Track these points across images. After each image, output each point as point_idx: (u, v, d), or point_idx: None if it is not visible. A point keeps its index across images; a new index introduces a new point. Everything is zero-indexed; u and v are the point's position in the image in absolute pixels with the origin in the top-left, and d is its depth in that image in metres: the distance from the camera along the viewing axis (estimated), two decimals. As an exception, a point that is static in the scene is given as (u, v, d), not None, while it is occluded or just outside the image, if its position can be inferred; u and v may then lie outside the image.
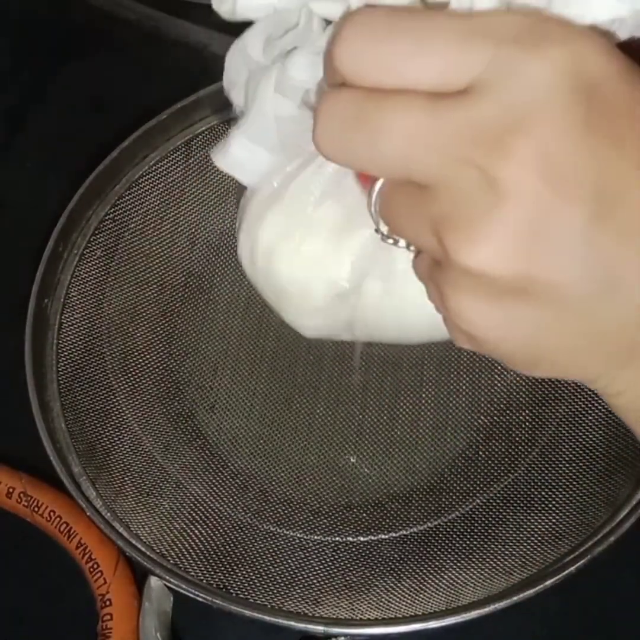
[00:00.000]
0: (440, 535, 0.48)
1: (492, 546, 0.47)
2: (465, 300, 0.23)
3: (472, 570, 0.46)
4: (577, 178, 0.21)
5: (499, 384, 0.53)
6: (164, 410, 0.53)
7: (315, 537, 0.49)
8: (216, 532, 0.49)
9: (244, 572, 0.47)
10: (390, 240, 0.26)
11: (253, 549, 0.48)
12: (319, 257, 0.31)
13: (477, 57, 0.21)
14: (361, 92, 0.22)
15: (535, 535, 0.47)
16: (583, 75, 0.21)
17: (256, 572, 0.47)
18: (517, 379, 0.53)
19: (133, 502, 0.49)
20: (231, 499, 0.50)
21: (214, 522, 0.49)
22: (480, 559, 0.47)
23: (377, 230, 0.26)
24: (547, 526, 0.47)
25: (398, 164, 0.22)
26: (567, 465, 0.49)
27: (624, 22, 0.23)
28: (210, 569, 0.47)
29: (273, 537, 0.49)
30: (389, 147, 0.22)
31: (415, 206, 0.23)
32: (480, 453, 0.51)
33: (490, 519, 0.48)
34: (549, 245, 0.21)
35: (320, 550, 0.48)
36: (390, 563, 0.47)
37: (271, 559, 0.48)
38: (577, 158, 0.21)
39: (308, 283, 0.31)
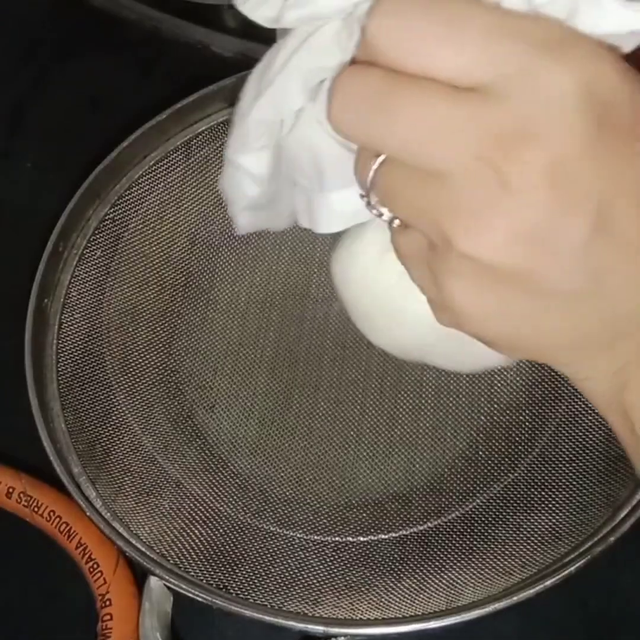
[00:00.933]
0: (440, 535, 0.48)
1: (492, 546, 0.47)
2: (460, 285, 0.24)
3: (472, 570, 0.46)
4: (583, 191, 0.22)
5: (499, 384, 0.53)
6: (164, 410, 0.53)
7: (315, 537, 0.49)
8: (216, 532, 0.49)
9: (244, 572, 0.47)
10: (375, 211, 0.26)
11: (253, 549, 0.48)
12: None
13: (506, 56, 0.22)
14: (387, 72, 0.23)
15: (535, 536, 0.47)
16: (599, 92, 0.22)
17: (256, 572, 0.47)
18: (517, 379, 0.53)
19: (133, 502, 0.49)
20: (231, 499, 0.50)
21: (214, 522, 0.49)
22: (480, 559, 0.47)
23: (362, 196, 0.26)
24: (547, 526, 0.47)
25: (414, 149, 0.23)
26: (567, 465, 0.49)
27: (636, 34, 0.23)
28: (210, 569, 0.47)
29: (273, 537, 0.49)
30: (407, 131, 0.23)
31: (419, 189, 0.24)
32: (480, 453, 0.51)
33: (490, 519, 0.48)
34: (549, 247, 0.23)
35: (320, 550, 0.48)
36: (390, 563, 0.47)
37: (271, 559, 0.48)
38: (585, 171, 0.22)
39: (403, 307, 0.32)
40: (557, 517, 0.47)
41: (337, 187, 0.28)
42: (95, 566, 0.46)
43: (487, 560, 0.47)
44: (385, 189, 0.25)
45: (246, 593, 0.46)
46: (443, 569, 0.47)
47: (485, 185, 0.22)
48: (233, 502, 0.50)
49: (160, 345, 0.55)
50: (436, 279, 0.25)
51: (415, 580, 0.46)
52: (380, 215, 0.26)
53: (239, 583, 0.46)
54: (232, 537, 0.49)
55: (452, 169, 0.22)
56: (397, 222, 0.26)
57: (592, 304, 0.24)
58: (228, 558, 0.47)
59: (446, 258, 0.24)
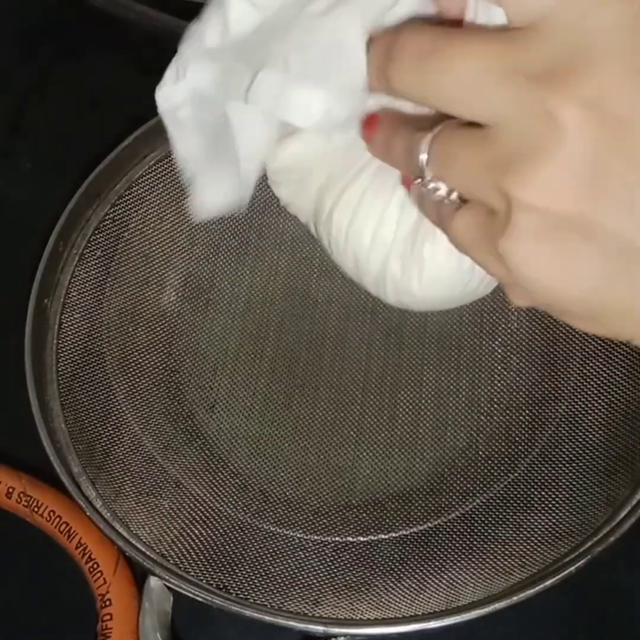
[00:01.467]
0: (440, 535, 0.48)
1: (492, 546, 0.47)
2: (527, 248, 0.23)
3: (472, 570, 0.46)
4: (634, 127, 0.21)
5: (499, 384, 0.53)
6: (164, 410, 0.53)
7: (315, 537, 0.49)
8: (216, 532, 0.49)
9: (244, 572, 0.47)
10: (432, 187, 0.25)
11: (253, 549, 0.48)
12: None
13: None
14: (440, 27, 0.23)
15: (535, 535, 0.47)
16: None
17: (256, 572, 0.47)
18: (517, 379, 0.53)
19: (133, 502, 0.49)
20: (231, 499, 0.50)
21: (214, 522, 0.49)
22: (480, 559, 0.47)
23: (418, 178, 0.25)
24: (547, 526, 0.47)
25: (467, 95, 0.23)
26: (566, 465, 0.49)
27: None
28: (210, 569, 0.47)
29: (273, 537, 0.49)
30: (457, 83, 0.23)
31: (475, 148, 0.23)
32: (480, 453, 0.51)
33: (490, 519, 0.48)
34: (609, 190, 0.22)
35: (320, 550, 0.48)
36: (390, 563, 0.47)
37: (271, 559, 0.48)
38: (635, 100, 0.21)
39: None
40: (557, 517, 0.47)
41: (336, 89, 0.26)
42: (95, 566, 0.46)
43: (487, 560, 0.47)
44: (441, 158, 0.24)
45: (246, 593, 0.46)
46: (443, 569, 0.47)
47: (535, 127, 0.22)
48: (233, 502, 0.50)
49: (160, 345, 0.55)
50: (503, 253, 0.23)
51: (415, 580, 0.46)
52: (437, 191, 0.25)
53: (239, 583, 0.46)
54: (232, 537, 0.49)
55: (503, 115, 0.22)
56: (454, 196, 0.25)
57: None
58: (228, 558, 0.47)
59: (509, 221, 0.23)
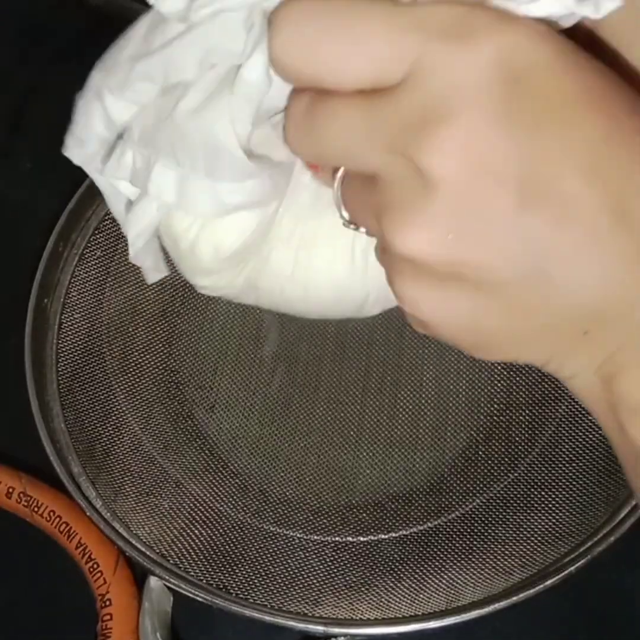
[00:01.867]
0: (440, 535, 0.48)
1: (492, 546, 0.47)
2: (407, 285, 0.24)
3: (472, 570, 0.46)
4: (500, 165, 0.21)
5: (499, 384, 0.53)
6: (164, 410, 0.53)
7: (315, 537, 0.49)
8: (216, 532, 0.49)
9: (244, 572, 0.47)
10: (352, 226, 0.27)
11: (253, 549, 0.48)
12: (207, 220, 0.30)
13: (407, 52, 0.22)
14: (308, 93, 0.24)
15: (535, 535, 0.47)
16: (509, 65, 0.21)
17: (256, 572, 0.47)
18: (517, 379, 0.53)
19: (133, 502, 0.49)
20: (231, 499, 0.50)
21: (214, 522, 0.49)
22: (480, 559, 0.47)
23: (341, 217, 0.27)
24: (547, 526, 0.47)
25: (342, 155, 0.24)
26: (566, 465, 0.49)
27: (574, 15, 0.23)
28: (210, 569, 0.47)
29: (273, 537, 0.49)
30: (332, 143, 0.24)
31: (364, 194, 0.25)
32: (480, 453, 0.51)
33: (490, 519, 0.48)
34: (477, 230, 0.22)
35: (320, 550, 0.48)
36: (390, 563, 0.47)
37: (271, 559, 0.48)
38: (500, 146, 0.21)
39: (196, 244, 0.31)
40: (557, 517, 0.47)
41: (226, 179, 0.27)
42: (95, 566, 0.46)
43: (487, 560, 0.47)
44: (344, 200, 0.26)
45: (246, 593, 0.46)
46: (443, 569, 0.47)
47: (405, 177, 0.22)
48: (233, 502, 0.50)
49: (160, 345, 0.55)
50: (391, 285, 0.25)
51: (415, 580, 0.46)
52: (357, 228, 0.27)
53: (239, 583, 0.46)
54: (232, 537, 0.49)
55: (376, 166, 0.23)
56: (362, 231, 0.26)
57: (541, 293, 0.23)
58: (228, 558, 0.47)
59: (391, 260, 0.24)
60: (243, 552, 0.48)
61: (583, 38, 0.25)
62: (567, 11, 0.23)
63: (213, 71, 0.26)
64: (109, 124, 0.29)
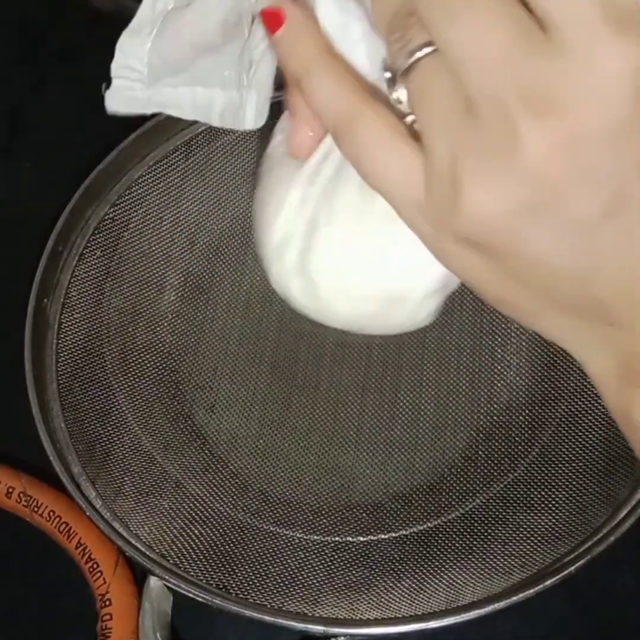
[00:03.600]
0: (440, 535, 0.48)
1: (492, 546, 0.47)
2: (440, 240, 0.25)
3: (472, 570, 0.46)
4: (602, 172, 0.22)
5: (499, 384, 0.53)
6: (164, 410, 0.53)
7: (315, 537, 0.49)
8: (216, 532, 0.49)
9: (244, 572, 0.47)
10: (394, 94, 0.24)
11: (253, 549, 0.48)
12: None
13: (577, 12, 0.21)
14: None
15: (535, 535, 0.47)
16: None
17: (256, 572, 0.47)
18: (517, 379, 0.53)
19: (133, 502, 0.49)
20: (231, 499, 0.50)
21: (214, 522, 0.49)
22: (480, 559, 0.47)
23: (388, 79, 0.24)
24: (547, 526, 0.47)
25: (459, 56, 0.22)
26: (566, 465, 0.49)
27: None
28: (210, 569, 0.47)
29: (273, 537, 0.49)
30: (462, 38, 0.22)
31: (448, 106, 0.23)
32: (480, 453, 0.51)
33: (490, 519, 0.48)
34: (551, 220, 0.22)
35: (320, 550, 0.48)
36: (390, 563, 0.47)
37: (271, 559, 0.48)
38: (607, 153, 0.21)
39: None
40: (557, 517, 0.47)
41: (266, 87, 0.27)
42: (95, 566, 0.46)
43: (487, 560, 0.47)
44: (418, 86, 0.24)
45: (246, 593, 0.46)
46: (443, 569, 0.47)
47: (504, 137, 0.22)
48: (233, 502, 0.50)
49: (160, 345, 0.55)
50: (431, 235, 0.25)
51: (415, 580, 0.46)
52: (397, 99, 0.24)
53: (239, 583, 0.46)
54: (232, 537, 0.49)
55: (483, 101, 0.22)
56: (410, 118, 0.25)
57: (583, 288, 0.24)
58: (228, 558, 0.47)
59: (440, 183, 0.23)
60: (243, 552, 0.48)
61: None
62: None
63: None
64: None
